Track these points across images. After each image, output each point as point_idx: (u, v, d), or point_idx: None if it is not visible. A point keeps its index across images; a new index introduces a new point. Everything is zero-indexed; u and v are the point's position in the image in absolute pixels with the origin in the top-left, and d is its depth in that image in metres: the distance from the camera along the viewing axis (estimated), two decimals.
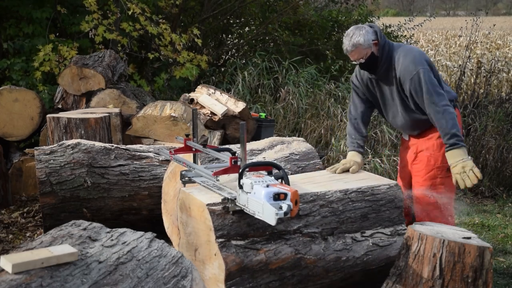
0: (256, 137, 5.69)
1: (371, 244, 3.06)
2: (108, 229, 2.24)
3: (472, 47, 9.73)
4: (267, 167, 2.77)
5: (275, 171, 2.75)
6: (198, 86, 6.14)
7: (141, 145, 4.39)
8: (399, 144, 6.18)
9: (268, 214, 2.45)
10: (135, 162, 4.05)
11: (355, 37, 3.39)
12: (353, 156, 3.60)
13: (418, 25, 10.04)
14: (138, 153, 4.12)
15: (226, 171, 2.76)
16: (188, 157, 3.20)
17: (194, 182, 3.08)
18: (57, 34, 7.30)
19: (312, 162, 3.85)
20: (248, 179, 2.58)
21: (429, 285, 2.66)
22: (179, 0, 7.46)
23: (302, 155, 3.86)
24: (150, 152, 4.16)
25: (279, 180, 2.66)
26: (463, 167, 3.22)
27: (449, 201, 3.51)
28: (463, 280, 2.62)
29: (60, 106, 5.83)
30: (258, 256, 2.72)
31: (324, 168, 3.75)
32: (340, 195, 3.07)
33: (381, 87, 3.55)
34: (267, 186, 2.51)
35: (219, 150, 3.09)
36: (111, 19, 6.70)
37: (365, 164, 5.80)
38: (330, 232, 2.97)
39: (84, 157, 3.91)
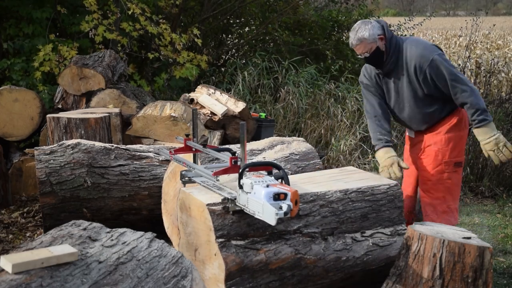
0: (256, 137, 5.69)
1: (371, 244, 3.06)
2: (108, 229, 2.24)
3: (472, 47, 9.73)
4: (267, 167, 2.77)
5: (275, 171, 2.75)
6: (198, 86, 6.14)
7: (141, 145, 4.39)
8: (400, 144, 6.23)
9: (268, 214, 2.45)
10: (135, 162, 4.05)
11: (361, 31, 3.44)
12: (387, 153, 3.56)
13: (417, 25, 10.04)
14: (138, 153, 4.12)
15: (226, 171, 2.76)
16: (188, 157, 3.20)
17: (194, 182, 3.08)
18: (57, 34, 7.29)
19: (312, 162, 3.85)
20: (248, 179, 2.58)
21: (429, 285, 2.66)
22: (179, 0, 7.46)
23: (302, 155, 3.86)
24: (150, 152, 4.16)
25: (279, 180, 2.66)
26: (496, 144, 3.32)
27: (455, 195, 3.54)
28: (463, 280, 2.62)
29: (60, 106, 5.83)
30: (258, 256, 2.72)
31: (325, 168, 3.75)
32: (340, 195, 3.07)
33: (387, 81, 3.57)
34: (267, 186, 2.51)
35: (219, 150, 3.09)
36: (111, 19, 6.70)
37: (365, 164, 5.80)
38: (330, 232, 2.97)
39: (84, 157, 3.91)
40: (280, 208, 2.43)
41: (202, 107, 5.67)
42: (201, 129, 5.08)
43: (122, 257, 2.04)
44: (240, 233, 2.71)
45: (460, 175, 3.59)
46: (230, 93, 6.68)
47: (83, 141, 4.05)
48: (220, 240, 2.66)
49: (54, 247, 1.98)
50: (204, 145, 3.15)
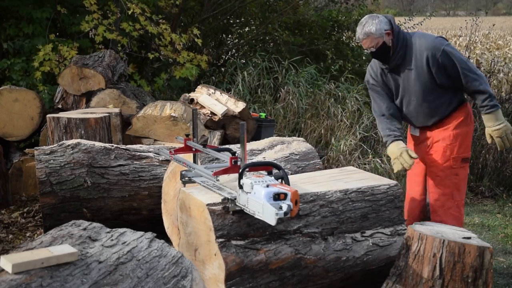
0: (256, 137, 5.69)
1: (371, 244, 3.06)
2: (108, 229, 2.24)
3: (472, 47, 9.73)
4: (267, 167, 2.77)
5: (275, 171, 2.75)
6: (198, 86, 6.14)
7: (141, 145, 4.39)
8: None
9: (268, 214, 2.45)
10: (135, 162, 4.05)
11: (368, 26, 3.46)
12: (398, 145, 3.55)
13: (417, 24, 10.04)
14: (138, 153, 4.12)
15: (226, 171, 2.76)
16: (188, 157, 3.20)
17: (194, 182, 3.08)
18: (57, 34, 7.29)
19: (312, 162, 3.85)
20: (248, 179, 2.58)
21: (429, 285, 2.66)
22: (179, 0, 7.46)
23: (302, 155, 3.86)
24: (150, 152, 4.16)
25: (279, 180, 2.66)
26: (505, 131, 3.44)
27: (462, 191, 3.60)
28: (463, 280, 2.63)
29: (60, 106, 5.83)
30: (258, 256, 2.72)
31: (325, 168, 3.75)
32: (340, 195, 3.07)
33: (394, 76, 3.58)
34: (267, 186, 2.51)
35: (219, 150, 3.09)
36: (111, 19, 6.70)
37: (365, 164, 5.80)
38: (330, 232, 2.97)
39: (84, 157, 3.91)
40: (280, 208, 2.43)
41: (202, 107, 5.67)
42: (201, 129, 5.08)
43: (122, 257, 2.04)
44: (240, 233, 2.71)
45: (466, 171, 3.64)
46: (230, 93, 6.67)
47: (83, 141, 4.05)
48: (220, 240, 2.66)
49: (54, 247, 1.98)
50: (204, 145, 3.15)
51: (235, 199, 2.67)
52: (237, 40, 9.79)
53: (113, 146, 4.09)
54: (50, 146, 4.02)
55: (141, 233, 2.25)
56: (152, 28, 6.78)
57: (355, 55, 9.23)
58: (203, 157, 3.43)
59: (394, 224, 3.19)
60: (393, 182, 3.31)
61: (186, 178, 3.13)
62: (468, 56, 7.98)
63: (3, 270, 1.85)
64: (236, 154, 2.78)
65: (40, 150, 3.94)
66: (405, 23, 9.96)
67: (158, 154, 4.12)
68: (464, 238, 2.71)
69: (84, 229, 2.20)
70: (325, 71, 8.41)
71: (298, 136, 6.54)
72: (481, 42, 13.84)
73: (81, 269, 1.91)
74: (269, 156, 3.75)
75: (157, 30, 6.85)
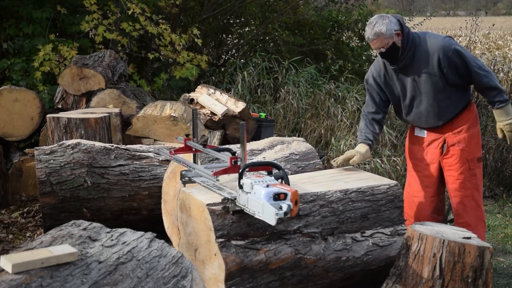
0: (256, 137, 5.69)
1: (371, 244, 3.06)
2: (108, 229, 2.24)
3: (472, 47, 9.72)
4: (267, 167, 2.77)
5: (275, 171, 2.75)
6: (198, 86, 6.14)
7: (141, 145, 4.39)
8: (399, 144, 6.22)
9: (268, 214, 2.45)
10: (135, 162, 4.05)
11: (378, 26, 3.44)
12: (358, 147, 3.64)
13: (417, 24, 10.04)
14: (138, 153, 4.12)
15: (226, 171, 2.76)
16: (188, 157, 3.20)
17: (194, 182, 3.08)
18: (57, 34, 7.29)
19: (312, 162, 3.85)
20: (248, 179, 2.58)
21: (429, 285, 2.66)
22: (179, 0, 7.46)
23: (302, 155, 3.86)
24: (150, 152, 4.16)
25: (279, 180, 2.66)
26: None
27: (480, 190, 3.65)
28: (463, 280, 2.63)
29: (60, 106, 5.83)
30: (258, 256, 2.72)
31: (325, 168, 3.76)
32: (340, 195, 3.07)
33: (401, 77, 3.58)
34: (267, 186, 2.51)
35: (219, 150, 3.09)
36: (111, 19, 6.70)
37: (365, 164, 5.79)
38: (330, 232, 2.97)
39: (84, 157, 3.91)
40: (280, 208, 2.43)
41: (202, 107, 5.67)
42: (201, 129, 5.08)
43: (122, 257, 2.04)
44: (240, 233, 2.71)
45: (481, 169, 3.68)
46: (230, 93, 6.67)
47: (83, 141, 4.05)
48: (220, 240, 2.66)
49: (54, 247, 1.98)
50: (204, 145, 3.15)
51: (235, 199, 2.67)
52: (237, 40, 9.79)
53: (113, 146, 4.09)
54: (50, 146, 4.02)
55: (141, 233, 2.25)
56: (152, 28, 6.78)
57: (355, 55, 9.23)
58: (203, 157, 3.43)
59: (394, 224, 3.19)
60: (393, 182, 3.32)
61: (186, 178, 3.13)
62: None
63: (3, 270, 1.85)
64: (236, 154, 2.78)
65: (40, 150, 3.94)
66: (405, 23, 9.95)
67: (158, 154, 4.12)
68: (464, 238, 2.71)
69: (84, 229, 2.20)
70: (325, 71, 8.41)
71: (298, 136, 6.54)
72: (481, 42, 13.83)
73: (81, 269, 1.91)
74: (269, 156, 3.75)
75: (157, 30, 6.85)
